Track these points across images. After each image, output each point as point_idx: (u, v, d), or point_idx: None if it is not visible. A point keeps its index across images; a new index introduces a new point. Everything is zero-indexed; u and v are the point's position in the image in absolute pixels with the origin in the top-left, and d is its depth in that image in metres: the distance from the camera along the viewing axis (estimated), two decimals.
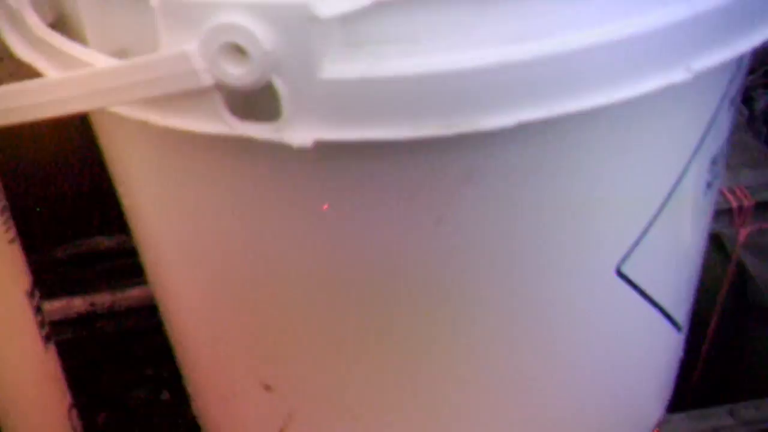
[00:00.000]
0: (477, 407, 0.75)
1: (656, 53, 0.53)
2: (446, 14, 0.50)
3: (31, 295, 0.86)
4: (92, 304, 1.10)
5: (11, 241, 0.82)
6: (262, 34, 0.48)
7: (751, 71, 2.65)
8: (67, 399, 0.93)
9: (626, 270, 0.70)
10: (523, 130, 0.53)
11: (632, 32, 0.52)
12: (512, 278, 0.65)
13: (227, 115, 0.52)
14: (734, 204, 1.22)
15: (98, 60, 0.55)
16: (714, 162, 0.73)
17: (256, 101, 0.52)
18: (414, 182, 0.58)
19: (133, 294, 1.12)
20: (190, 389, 0.92)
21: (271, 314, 0.69)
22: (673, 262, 0.76)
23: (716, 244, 1.59)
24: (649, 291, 0.74)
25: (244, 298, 0.70)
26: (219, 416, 0.86)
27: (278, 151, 0.54)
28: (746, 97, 2.61)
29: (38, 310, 0.87)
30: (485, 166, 0.57)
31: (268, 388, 0.75)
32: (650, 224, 0.68)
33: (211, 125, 0.53)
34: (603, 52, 0.51)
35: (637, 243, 0.68)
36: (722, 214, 1.22)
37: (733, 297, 1.57)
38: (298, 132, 0.51)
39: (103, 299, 1.11)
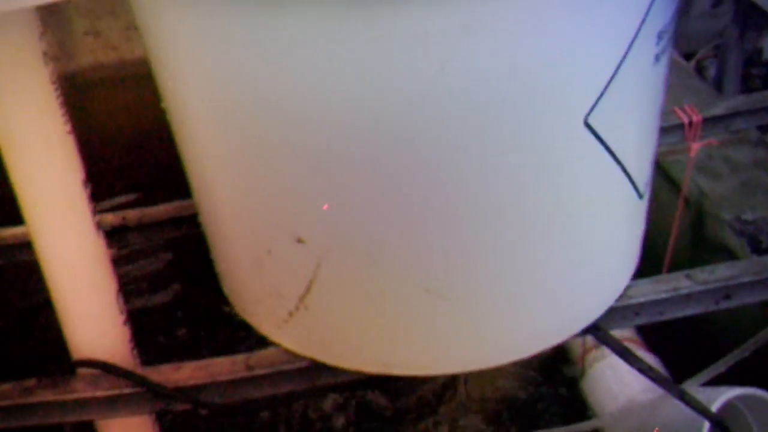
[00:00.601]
0: (471, 258, 0.90)
1: None
2: None
3: (85, 184, 0.99)
4: (124, 218, 1.24)
5: (69, 132, 0.96)
6: None
7: (702, 46, 2.88)
8: (115, 283, 1.07)
9: (593, 121, 0.85)
10: None
11: None
12: (501, 123, 0.80)
13: None
14: (685, 120, 1.38)
15: None
16: (660, 37, 0.89)
17: None
18: (422, 31, 0.73)
19: (160, 210, 1.26)
20: (223, 267, 1.06)
21: (307, 167, 0.84)
22: (632, 122, 0.91)
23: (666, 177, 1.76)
24: (612, 146, 0.89)
25: (283, 154, 0.84)
26: (252, 280, 1.00)
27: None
28: (699, 68, 2.82)
29: (91, 198, 1.00)
30: (479, 18, 0.73)
31: (300, 240, 0.89)
32: (610, 80, 0.83)
33: None
34: None
35: (600, 96, 0.83)
36: (674, 129, 1.38)
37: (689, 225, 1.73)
38: None
39: (133, 214, 1.25)
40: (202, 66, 0.83)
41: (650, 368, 1.14)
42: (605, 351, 1.67)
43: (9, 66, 0.89)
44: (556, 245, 0.94)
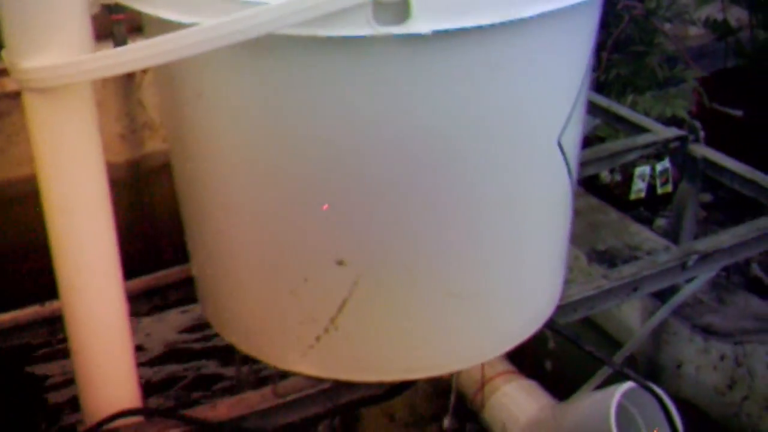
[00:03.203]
0: (484, 263, 1.09)
1: None
2: None
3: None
4: None
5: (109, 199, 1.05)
6: None
7: None
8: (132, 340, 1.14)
9: (562, 141, 1.09)
10: (533, 26, 0.91)
11: None
12: (509, 136, 1.02)
13: (374, 23, 0.86)
14: None
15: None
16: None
17: (389, 13, 0.86)
18: (464, 70, 0.94)
19: None
20: (236, 313, 1.16)
21: (358, 195, 1.00)
22: (577, 135, 1.16)
23: None
24: (568, 157, 1.12)
25: (340, 185, 0.99)
26: (280, 313, 1.11)
27: (389, 46, 0.88)
28: None
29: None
30: (506, 56, 0.94)
31: (341, 263, 1.04)
32: (574, 105, 1.08)
33: (364, 30, 0.86)
34: None
35: (568, 119, 1.08)
36: None
37: None
38: (422, 26, 0.86)
39: None
40: (267, 103, 0.97)
41: (595, 350, 1.36)
42: (498, 382, 1.88)
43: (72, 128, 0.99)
44: (535, 252, 1.16)
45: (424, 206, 1.02)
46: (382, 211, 1.02)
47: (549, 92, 1.03)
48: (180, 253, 1.30)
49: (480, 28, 0.88)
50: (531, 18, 0.90)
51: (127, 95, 2.79)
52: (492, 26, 0.89)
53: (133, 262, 1.19)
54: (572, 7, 0.93)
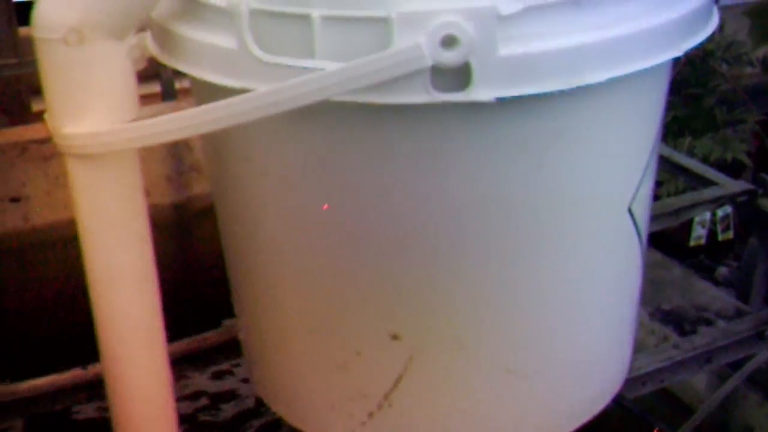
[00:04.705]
0: (548, 340, 1.02)
1: (666, 38, 0.88)
2: (558, 14, 0.82)
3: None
4: None
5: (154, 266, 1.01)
6: (469, 27, 0.77)
7: None
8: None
9: (633, 208, 1.02)
10: (601, 90, 0.85)
11: (657, 24, 0.86)
12: (577, 206, 0.95)
13: (432, 90, 0.80)
14: None
15: (329, 65, 0.81)
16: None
17: (449, 79, 0.80)
18: (524, 136, 0.88)
19: None
20: (282, 383, 1.11)
21: (409, 269, 0.94)
22: (648, 201, 1.08)
23: None
24: (639, 224, 1.05)
25: (384, 257, 0.94)
26: (329, 386, 1.05)
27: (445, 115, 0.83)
28: None
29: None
30: (574, 123, 0.88)
31: (395, 337, 0.98)
32: (646, 168, 1.01)
33: (421, 98, 0.80)
34: (648, 34, 0.85)
35: (639, 186, 1.01)
36: None
37: None
38: (484, 93, 0.80)
39: None
40: (319, 181, 0.93)
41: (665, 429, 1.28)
42: None
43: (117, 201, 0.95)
44: (602, 323, 1.09)
45: (484, 280, 0.96)
46: (438, 285, 0.96)
47: (620, 158, 0.96)
48: (225, 298, 1.24)
49: (547, 95, 0.82)
50: (600, 83, 0.84)
51: None
52: (560, 93, 0.83)
53: (177, 306, 1.14)
54: (643, 71, 0.86)
